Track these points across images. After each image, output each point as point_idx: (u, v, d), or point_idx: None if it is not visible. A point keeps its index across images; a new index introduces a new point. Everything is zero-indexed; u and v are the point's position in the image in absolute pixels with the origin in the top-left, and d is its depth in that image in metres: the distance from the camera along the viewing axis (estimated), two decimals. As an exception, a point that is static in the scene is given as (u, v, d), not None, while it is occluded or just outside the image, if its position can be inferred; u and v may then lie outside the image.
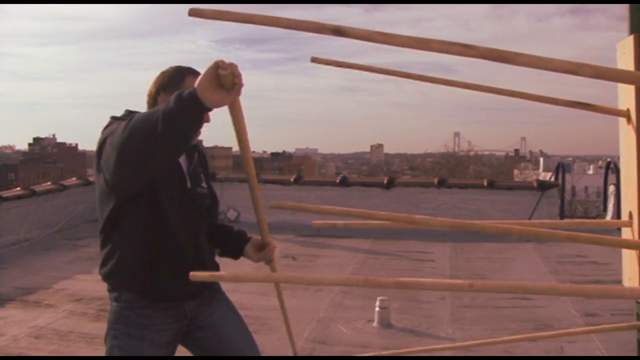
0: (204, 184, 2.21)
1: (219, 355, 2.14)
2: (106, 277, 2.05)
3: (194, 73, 2.02)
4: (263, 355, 3.78)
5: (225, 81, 1.49)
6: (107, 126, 1.95)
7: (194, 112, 1.54)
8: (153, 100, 2.07)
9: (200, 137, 2.17)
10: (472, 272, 5.91)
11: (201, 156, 2.24)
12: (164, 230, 2.00)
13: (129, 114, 1.99)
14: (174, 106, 1.55)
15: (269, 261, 2.30)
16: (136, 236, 1.98)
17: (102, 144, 1.84)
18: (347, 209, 1.73)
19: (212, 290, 2.21)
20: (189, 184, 2.11)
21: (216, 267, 2.25)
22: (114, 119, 2.00)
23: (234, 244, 2.32)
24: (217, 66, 1.47)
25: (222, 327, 2.18)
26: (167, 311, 2.04)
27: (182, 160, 2.13)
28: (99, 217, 2.04)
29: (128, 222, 1.97)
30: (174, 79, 2.02)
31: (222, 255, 2.34)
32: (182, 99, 1.54)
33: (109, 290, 2.07)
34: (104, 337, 2.06)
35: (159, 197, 1.97)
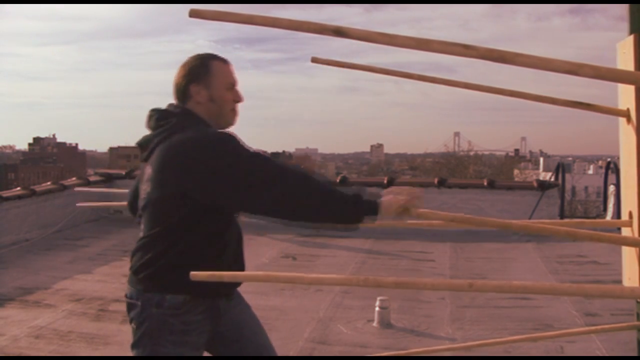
0: None
1: (242, 351, 2.18)
2: (151, 278, 1.99)
3: (215, 58, 2.07)
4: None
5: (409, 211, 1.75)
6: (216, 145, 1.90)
7: (368, 218, 1.81)
8: (183, 92, 2.06)
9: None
10: (472, 272, 5.91)
11: None
12: (224, 236, 2.05)
13: (155, 114, 2.05)
14: (361, 210, 1.81)
15: None
16: (203, 241, 1.99)
17: (220, 168, 1.86)
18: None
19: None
20: None
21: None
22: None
23: None
24: (413, 206, 1.76)
25: (244, 322, 2.23)
26: (205, 313, 2.04)
27: None
28: (151, 218, 2.00)
29: (197, 227, 1.97)
30: (202, 69, 2.04)
31: None
32: (369, 208, 1.80)
33: (146, 291, 1.99)
34: (133, 342, 2.01)
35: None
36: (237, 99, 2.10)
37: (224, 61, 2.10)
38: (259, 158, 1.89)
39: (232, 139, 1.93)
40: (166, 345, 1.97)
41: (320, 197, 1.84)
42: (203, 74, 2.03)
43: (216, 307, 2.07)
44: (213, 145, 1.90)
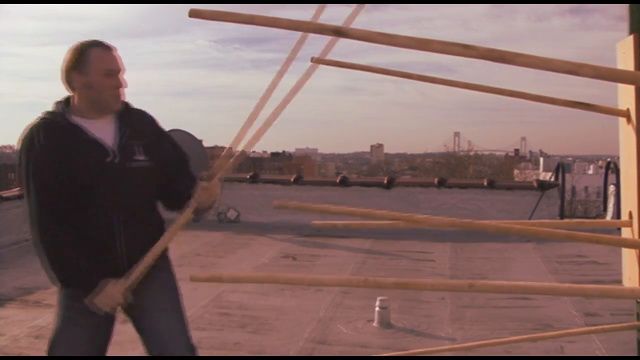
0: (139, 157, 2.18)
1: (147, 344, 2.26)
2: None
3: (96, 45, 2.14)
4: (263, 355, 3.79)
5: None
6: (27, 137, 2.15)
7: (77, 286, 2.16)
8: (65, 79, 2.16)
9: (126, 101, 2.23)
10: (472, 272, 5.90)
11: (138, 126, 2.23)
12: (87, 212, 2.14)
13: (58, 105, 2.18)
14: (72, 282, 2.18)
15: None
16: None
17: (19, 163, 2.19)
18: (348, 208, 1.73)
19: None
20: (115, 160, 2.14)
21: (159, 236, 2.24)
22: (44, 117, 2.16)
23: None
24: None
25: (149, 310, 2.25)
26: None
27: (109, 136, 2.16)
28: None
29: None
30: (80, 57, 2.12)
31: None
32: (78, 285, 2.16)
33: None
34: None
35: (79, 183, 2.10)
36: (117, 84, 2.15)
37: (105, 48, 2.15)
38: (28, 189, 2.12)
39: (26, 142, 2.13)
40: (59, 314, 2.26)
41: (44, 257, 2.16)
42: (80, 61, 2.10)
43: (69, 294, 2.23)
44: (21, 138, 2.16)
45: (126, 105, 2.25)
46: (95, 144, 2.13)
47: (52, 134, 2.11)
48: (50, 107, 2.21)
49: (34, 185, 2.10)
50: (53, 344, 2.23)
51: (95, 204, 2.13)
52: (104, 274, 2.15)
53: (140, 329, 2.29)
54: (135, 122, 2.23)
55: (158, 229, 2.29)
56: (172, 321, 2.26)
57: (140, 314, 2.27)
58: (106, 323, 2.25)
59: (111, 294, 2.11)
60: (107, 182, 2.12)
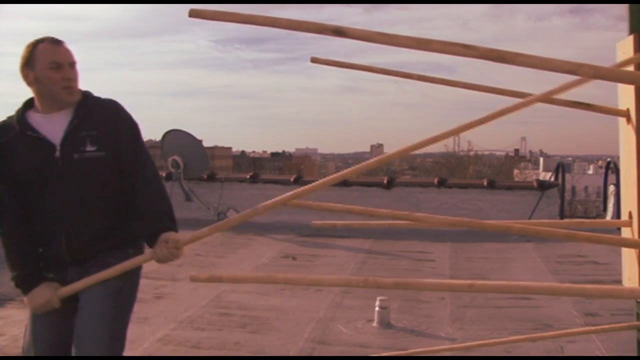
0: (88, 148, 2.17)
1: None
2: None
3: (43, 40, 2.17)
4: (263, 355, 3.78)
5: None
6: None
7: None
8: (22, 76, 2.21)
9: (80, 93, 2.23)
10: (472, 272, 5.90)
11: (93, 117, 2.21)
12: (34, 207, 2.18)
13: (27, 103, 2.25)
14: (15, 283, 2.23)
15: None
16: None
17: None
18: (349, 207, 1.73)
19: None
20: (56, 153, 2.15)
21: (115, 232, 2.23)
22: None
23: (148, 230, 2.23)
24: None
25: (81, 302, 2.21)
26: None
27: (58, 129, 2.17)
28: None
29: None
30: (29, 53, 2.16)
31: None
32: (17, 285, 2.22)
33: None
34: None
35: (22, 179, 2.15)
36: (65, 76, 2.16)
37: (53, 42, 2.18)
38: None
39: None
40: None
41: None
42: (30, 57, 2.16)
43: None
44: None
45: (85, 96, 2.25)
46: (38, 140, 2.16)
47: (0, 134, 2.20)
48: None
49: None
50: (25, 337, 2.28)
51: (39, 198, 2.17)
52: (46, 269, 2.21)
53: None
54: (91, 113, 2.21)
55: (116, 220, 2.23)
56: (91, 319, 2.18)
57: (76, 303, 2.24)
58: (70, 311, 2.22)
59: (42, 296, 2.16)
60: (50, 176, 2.15)
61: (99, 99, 2.28)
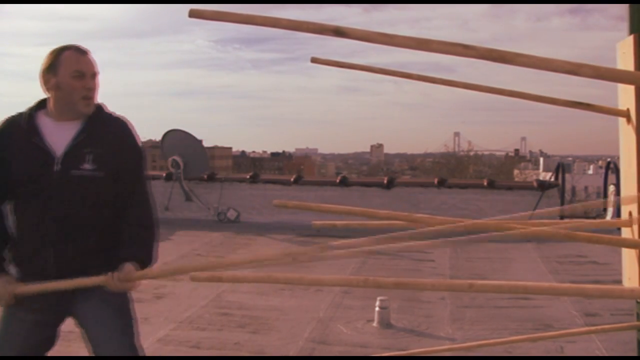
0: (86, 166, 2.14)
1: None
2: None
3: (69, 48, 2.18)
4: (263, 355, 3.78)
5: None
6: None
7: None
8: (42, 80, 2.20)
9: (97, 105, 2.23)
10: (472, 272, 5.91)
11: (100, 134, 2.19)
12: (21, 215, 2.18)
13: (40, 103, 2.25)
14: None
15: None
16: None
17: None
18: (349, 208, 1.73)
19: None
20: (56, 167, 2.13)
21: (104, 253, 2.18)
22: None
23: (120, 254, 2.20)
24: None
25: (91, 322, 2.24)
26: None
27: (64, 141, 2.15)
28: None
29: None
30: (54, 59, 2.17)
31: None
32: None
33: None
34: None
35: (15, 190, 2.15)
36: (86, 86, 2.16)
37: (79, 51, 2.18)
38: None
39: None
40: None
41: None
42: (53, 63, 2.16)
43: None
44: None
45: (100, 110, 2.24)
46: (40, 150, 2.14)
47: (5, 128, 2.20)
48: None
49: None
50: None
51: (29, 207, 2.15)
52: (30, 277, 2.15)
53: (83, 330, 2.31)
54: (99, 129, 2.20)
55: (107, 241, 2.20)
56: (112, 340, 2.23)
57: (79, 321, 2.29)
58: (48, 324, 2.24)
59: None
60: (45, 188, 2.12)
61: (110, 115, 2.27)
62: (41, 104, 2.24)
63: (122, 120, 2.28)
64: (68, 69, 2.13)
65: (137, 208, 2.23)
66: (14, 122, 2.20)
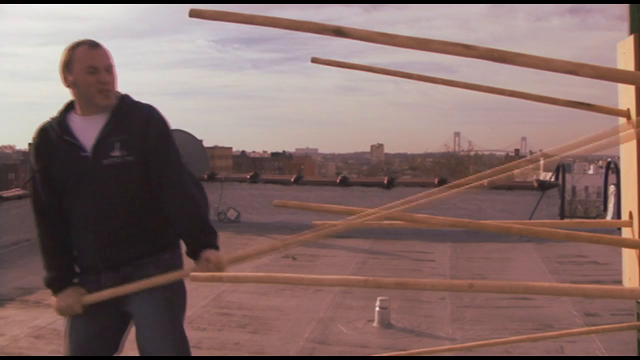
0: (115, 153, 2.17)
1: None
2: None
3: (82, 44, 2.19)
4: (263, 355, 3.78)
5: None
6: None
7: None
8: (62, 79, 2.23)
9: (118, 95, 2.25)
10: (472, 272, 5.91)
11: (126, 121, 2.22)
12: (69, 211, 2.23)
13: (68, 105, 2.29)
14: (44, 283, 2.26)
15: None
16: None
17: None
18: (349, 208, 1.73)
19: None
20: (88, 158, 2.17)
21: (147, 237, 2.24)
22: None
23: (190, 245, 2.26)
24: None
25: (137, 319, 2.25)
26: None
27: (93, 133, 2.19)
28: None
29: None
30: (68, 56, 2.19)
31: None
32: (46, 285, 2.26)
33: None
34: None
35: (58, 181, 2.20)
36: (100, 80, 2.17)
37: (92, 46, 2.19)
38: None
39: (30, 145, 2.27)
40: None
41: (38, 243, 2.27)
42: (69, 61, 2.18)
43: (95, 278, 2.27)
44: None
45: (124, 99, 2.26)
46: (72, 144, 2.19)
47: (40, 136, 2.25)
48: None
49: (31, 186, 2.26)
50: (65, 335, 2.31)
51: (73, 201, 2.20)
52: (82, 273, 2.25)
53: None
54: (125, 117, 2.22)
55: (148, 225, 2.24)
56: (154, 338, 2.23)
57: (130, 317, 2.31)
58: (114, 327, 2.29)
59: (65, 300, 2.20)
60: (82, 180, 2.18)
61: (135, 103, 2.29)
62: (70, 105, 2.29)
63: (148, 106, 2.30)
64: (81, 65, 2.15)
65: (175, 185, 2.25)
66: (45, 129, 2.26)
